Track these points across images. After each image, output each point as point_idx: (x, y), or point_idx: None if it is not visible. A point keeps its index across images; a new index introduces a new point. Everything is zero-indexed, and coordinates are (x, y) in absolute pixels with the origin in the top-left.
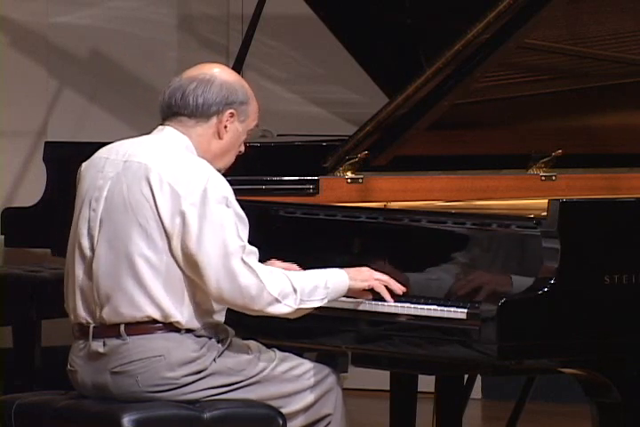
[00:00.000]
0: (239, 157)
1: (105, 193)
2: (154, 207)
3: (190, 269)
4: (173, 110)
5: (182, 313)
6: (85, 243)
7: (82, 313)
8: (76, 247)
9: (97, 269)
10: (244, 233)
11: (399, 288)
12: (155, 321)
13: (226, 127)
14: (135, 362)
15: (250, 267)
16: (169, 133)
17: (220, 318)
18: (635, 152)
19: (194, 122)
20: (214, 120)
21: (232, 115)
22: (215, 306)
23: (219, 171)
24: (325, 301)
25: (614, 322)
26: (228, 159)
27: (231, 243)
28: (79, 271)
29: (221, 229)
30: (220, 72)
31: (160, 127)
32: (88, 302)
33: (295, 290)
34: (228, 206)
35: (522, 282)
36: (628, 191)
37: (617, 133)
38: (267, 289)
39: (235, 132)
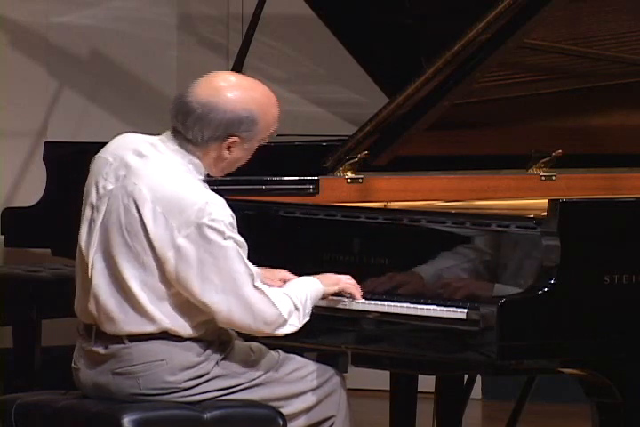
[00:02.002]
0: None
1: (104, 207)
2: (146, 236)
3: (192, 298)
4: (177, 128)
5: (183, 327)
6: (85, 250)
7: (86, 315)
8: (80, 251)
9: (96, 285)
10: (246, 257)
11: (360, 292)
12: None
13: (229, 149)
14: (137, 365)
15: (262, 292)
16: (173, 147)
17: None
18: (635, 152)
19: (195, 147)
20: (216, 145)
21: (235, 141)
22: None
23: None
24: (310, 315)
25: (614, 322)
26: (237, 166)
27: (240, 274)
28: (83, 276)
29: (225, 262)
30: (230, 92)
31: (167, 134)
32: (90, 312)
33: (297, 308)
34: (226, 238)
35: (521, 282)
36: (628, 191)
37: (617, 133)
38: (281, 313)
39: (241, 151)
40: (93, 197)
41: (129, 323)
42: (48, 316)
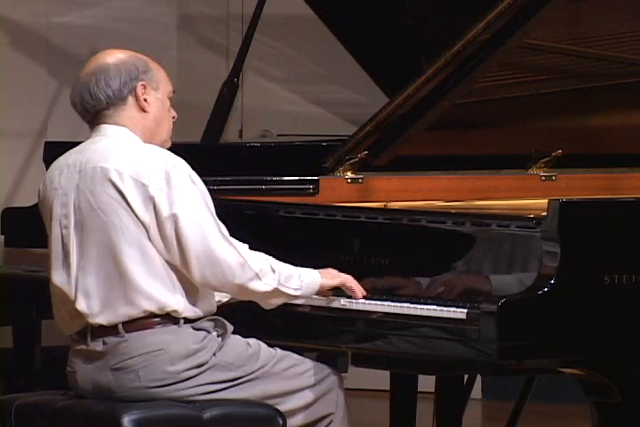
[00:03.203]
0: (240, 157)
1: (71, 208)
2: (124, 204)
3: (170, 253)
4: (93, 111)
5: (177, 301)
6: (62, 264)
7: (76, 326)
8: (56, 269)
9: (85, 281)
10: (212, 208)
11: (361, 289)
12: (152, 315)
13: (146, 100)
14: (135, 358)
15: (228, 241)
16: (107, 131)
17: (213, 306)
18: (635, 152)
19: (116, 110)
20: (132, 99)
21: (144, 86)
22: (207, 292)
23: (165, 142)
24: (299, 293)
25: (614, 322)
26: (166, 127)
27: (204, 220)
28: (67, 291)
29: (192, 208)
30: (110, 57)
31: (95, 129)
32: (82, 314)
33: (274, 270)
34: (193, 183)
35: (522, 282)
36: (628, 191)
37: (617, 133)
38: (247, 263)
39: (156, 100)
40: (58, 209)
41: (126, 305)
42: (48, 316)
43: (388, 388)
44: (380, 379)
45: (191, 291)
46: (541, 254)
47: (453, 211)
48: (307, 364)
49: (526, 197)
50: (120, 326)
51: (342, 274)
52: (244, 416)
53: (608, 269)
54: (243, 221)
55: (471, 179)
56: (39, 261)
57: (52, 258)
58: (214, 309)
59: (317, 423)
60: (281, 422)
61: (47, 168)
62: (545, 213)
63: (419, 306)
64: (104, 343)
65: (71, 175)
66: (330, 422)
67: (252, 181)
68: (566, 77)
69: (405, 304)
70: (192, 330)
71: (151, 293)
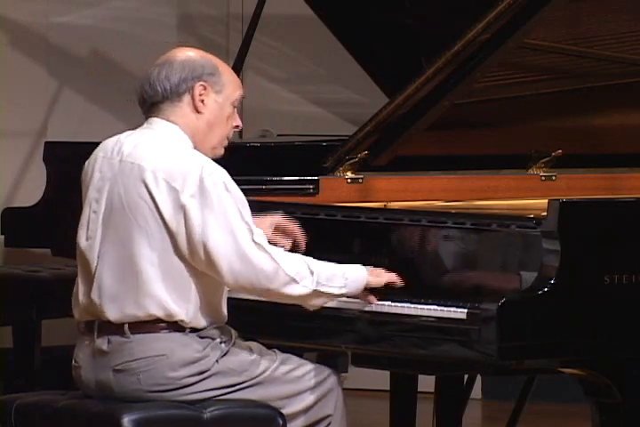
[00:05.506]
0: (240, 157)
1: (105, 195)
2: (153, 207)
3: (200, 262)
4: (149, 102)
5: (187, 312)
6: (86, 245)
7: (87, 311)
8: (79, 248)
9: (101, 272)
10: (248, 215)
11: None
12: (159, 320)
13: (203, 101)
14: (138, 360)
15: (262, 247)
16: (158, 126)
17: (223, 317)
18: (635, 152)
19: (170, 105)
20: (188, 97)
21: (204, 87)
22: (221, 304)
23: (215, 149)
24: (344, 291)
25: (614, 322)
26: (219, 133)
27: (237, 228)
28: (85, 272)
29: (224, 216)
30: (182, 52)
31: (148, 121)
32: (93, 302)
33: (312, 272)
34: (227, 190)
35: (522, 282)
36: (628, 191)
37: (617, 133)
38: (282, 268)
39: (214, 104)
40: (92, 193)
41: (135, 306)
42: (48, 316)
43: (388, 388)
44: (379, 379)
45: (205, 302)
46: (541, 254)
47: (453, 211)
48: (306, 366)
49: (526, 197)
50: (126, 327)
51: (387, 273)
52: (244, 416)
53: (608, 269)
54: None
55: (471, 179)
56: (39, 261)
57: (78, 233)
58: (225, 319)
59: (316, 425)
60: (281, 422)
61: (47, 168)
62: (545, 213)
63: (419, 306)
64: (109, 342)
65: (113, 162)
66: (328, 424)
67: (252, 181)
68: (566, 77)
69: (405, 304)
70: (197, 338)
71: (162, 299)
